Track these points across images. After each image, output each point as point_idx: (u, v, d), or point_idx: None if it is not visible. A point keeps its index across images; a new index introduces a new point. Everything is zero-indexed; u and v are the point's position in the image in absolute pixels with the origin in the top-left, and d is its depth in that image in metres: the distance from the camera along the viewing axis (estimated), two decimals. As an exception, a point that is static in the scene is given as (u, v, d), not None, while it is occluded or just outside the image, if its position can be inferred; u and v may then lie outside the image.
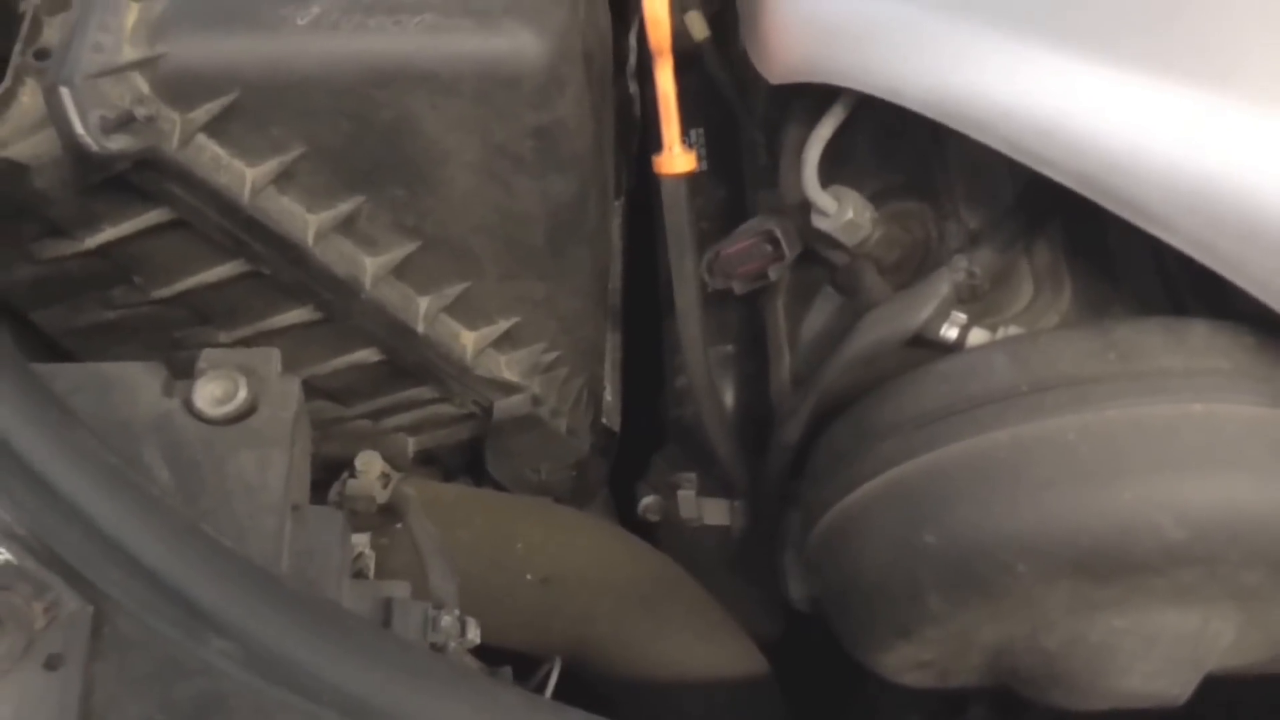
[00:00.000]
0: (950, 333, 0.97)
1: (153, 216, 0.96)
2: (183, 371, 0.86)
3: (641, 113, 1.46)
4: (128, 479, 0.72)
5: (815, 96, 1.05)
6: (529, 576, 1.14)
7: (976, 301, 0.98)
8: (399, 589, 0.87)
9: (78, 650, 0.69)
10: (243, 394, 0.83)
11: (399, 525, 1.09)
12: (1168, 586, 0.87)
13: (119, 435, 0.80)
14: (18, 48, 0.90)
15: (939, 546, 0.89)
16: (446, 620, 0.88)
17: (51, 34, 0.90)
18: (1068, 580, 0.87)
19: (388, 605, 0.86)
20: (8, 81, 0.89)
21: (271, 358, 0.87)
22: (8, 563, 0.71)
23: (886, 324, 0.98)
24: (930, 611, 0.91)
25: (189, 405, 0.83)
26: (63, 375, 0.82)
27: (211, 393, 0.84)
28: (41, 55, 0.90)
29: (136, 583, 0.69)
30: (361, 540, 1.02)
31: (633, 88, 1.45)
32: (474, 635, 0.91)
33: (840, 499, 0.95)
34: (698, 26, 1.27)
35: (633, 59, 1.45)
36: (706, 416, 1.13)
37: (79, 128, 0.79)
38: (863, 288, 1.03)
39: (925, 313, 0.96)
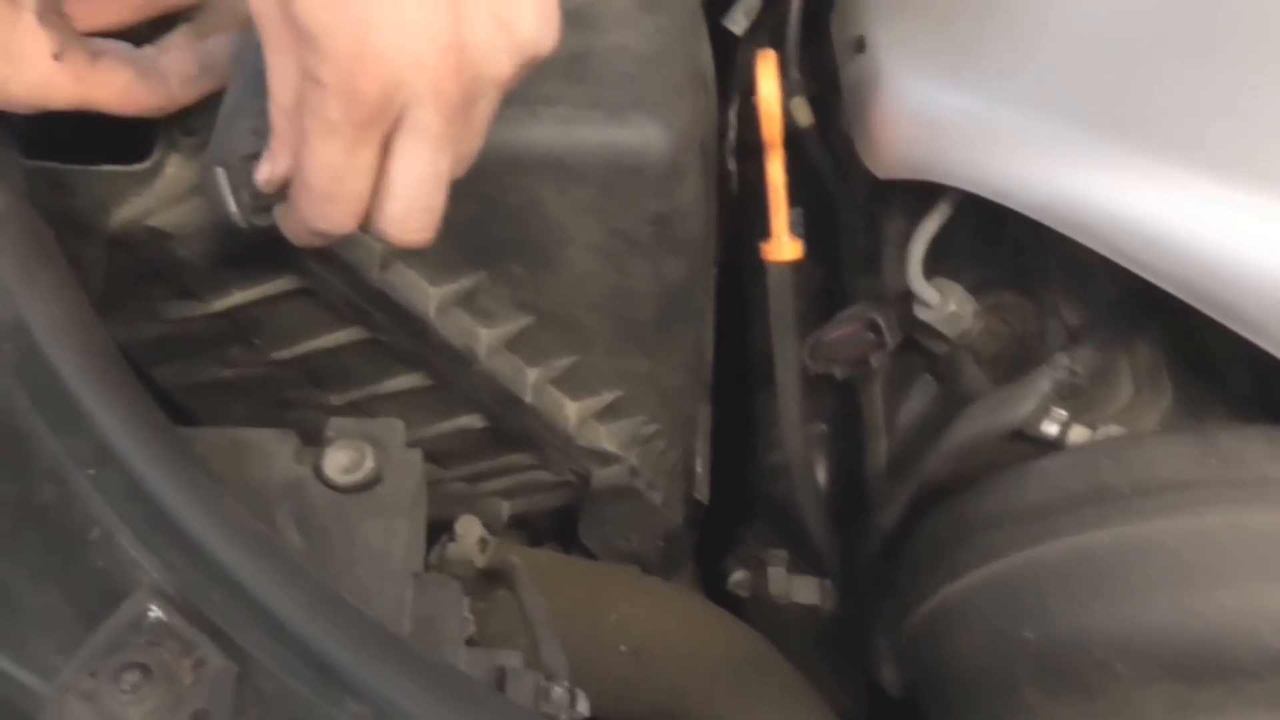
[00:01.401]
0: (1051, 429, 1.01)
1: (280, 284, 1.01)
2: (305, 435, 0.91)
3: (739, 188, 1.52)
4: (272, 545, 0.76)
5: (918, 189, 1.10)
6: (622, 647, 1.17)
7: (1076, 398, 1.02)
8: (511, 658, 0.91)
9: (222, 707, 0.72)
10: (369, 464, 0.88)
11: (499, 591, 1.14)
12: (1264, 692, 0.89)
13: (253, 499, 0.84)
14: (164, 122, 0.96)
15: (1038, 642, 0.92)
16: (558, 691, 0.92)
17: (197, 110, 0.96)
18: (1165, 682, 0.90)
19: (501, 674, 0.90)
20: (156, 154, 0.94)
21: (396, 429, 0.92)
22: (159, 620, 0.75)
23: (988, 417, 1.02)
24: (1026, 705, 0.94)
25: (319, 472, 0.88)
26: (200, 439, 0.87)
27: (339, 461, 0.88)
28: (189, 131, 0.95)
29: (278, 644, 0.73)
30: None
31: (731, 164, 1.51)
32: (584, 708, 0.95)
33: (939, 588, 0.99)
34: (802, 113, 1.32)
35: (732, 135, 1.50)
36: (802, 497, 1.18)
37: (231, 206, 0.84)
38: (962, 378, 1.07)
39: (1027, 408, 1.00)
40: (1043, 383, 1.00)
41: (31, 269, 0.80)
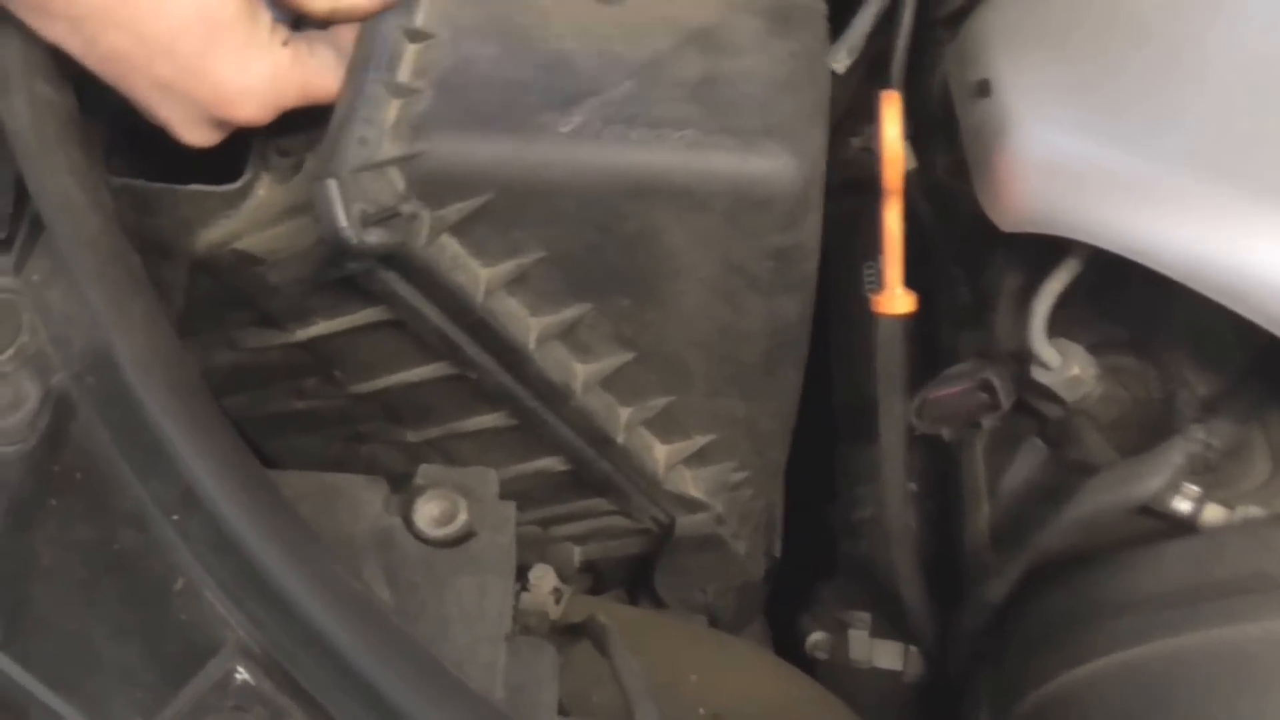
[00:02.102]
0: (1183, 506, 0.93)
1: (368, 315, 0.94)
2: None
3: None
4: (369, 606, 0.69)
5: (1035, 243, 1.01)
6: (701, 711, 1.11)
7: (1209, 473, 0.94)
8: (607, 731, 0.86)
9: (311, 780, 0.67)
10: (463, 516, 0.81)
11: (578, 645, 1.07)
12: None
13: (342, 549, 0.78)
14: (257, 142, 0.91)
15: (1175, 738, 0.86)
16: (656, 768, 0.86)
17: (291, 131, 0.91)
18: (1317, 789, 0.82)
19: (595, 747, 0.84)
20: (247, 175, 0.89)
21: (489, 479, 0.85)
22: (245, 683, 0.69)
23: (1114, 490, 0.95)
24: (1155, 803, 0.87)
25: (409, 524, 0.82)
26: (287, 483, 0.80)
27: (430, 512, 0.81)
28: (284, 152, 0.90)
29: (372, 714, 0.67)
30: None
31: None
32: (683, 784, 0.90)
33: (1061, 673, 0.91)
34: (906, 156, 1.26)
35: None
36: (899, 562, 1.10)
37: (342, 220, 0.78)
38: (1081, 446, 1.00)
39: (1157, 483, 0.93)
40: (1175, 456, 0.92)
41: (121, 298, 0.73)
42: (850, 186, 1.25)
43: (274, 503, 0.72)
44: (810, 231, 0.93)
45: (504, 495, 1.14)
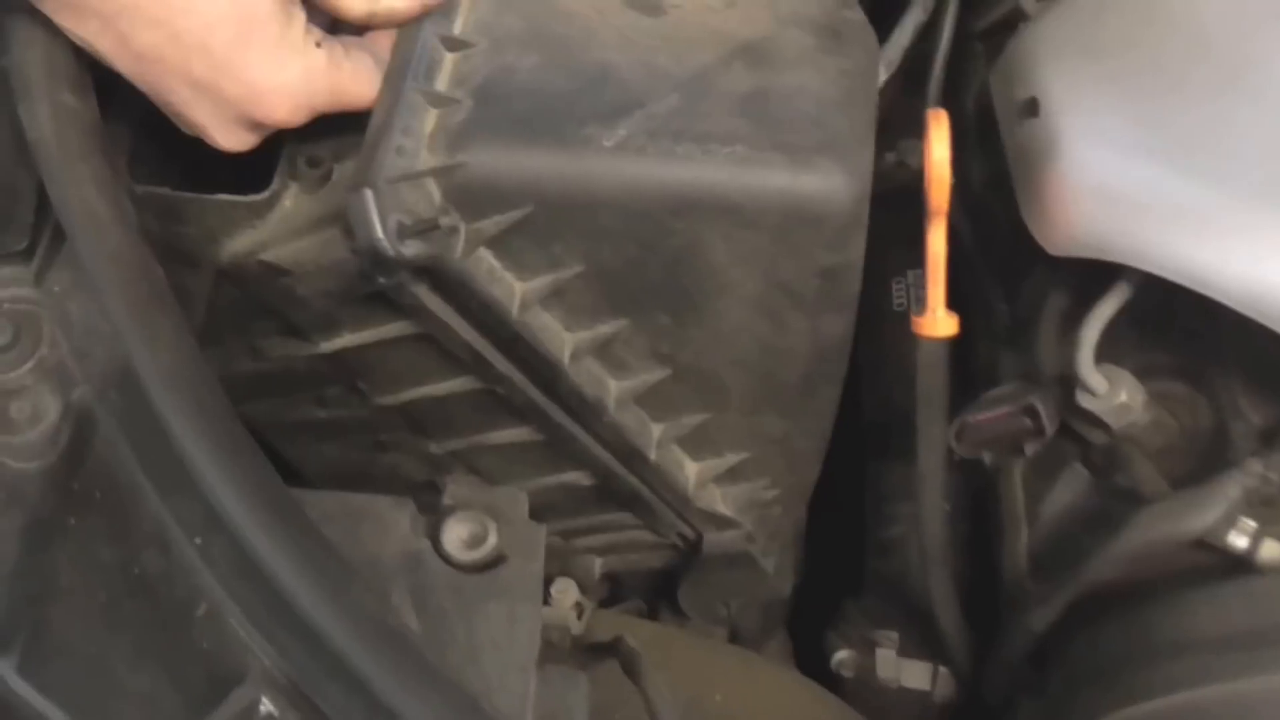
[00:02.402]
0: (1239, 541, 0.90)
1: (395, 328, 0.91)
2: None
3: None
4: (400, 639, 0.66)
5: (1079, 262, 0.98)
6: (726, 731, 1.09)
7: (1265, 507, 0.91)
8: (640, 765, 0.83)
9: (338, 819, 0.64)
10: (492, 540, 0.78)
11: (604, 664, 1.05)
12: None
13: (369, 574, 0.75)
14: (285, 151, 0.88)
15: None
16: (694, 801, 0.84)
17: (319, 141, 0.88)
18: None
19: (633, 779, 0.81)
20: (274, 185, 0.86)
21: (519, 501, 0.82)
22: (270, 715, 0.66)
23: (1167, 522, 0.92)
24: None
25: (438, 547, 0.79)
26: (313, 503, 0.78)
27: (459, 535, 0.78)
28: (313, 162, 0.87)
29: None
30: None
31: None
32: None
33: (1112, 711, 0.88)
34: (946, 174, 1.23)
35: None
36: (935, 585, 1.07)
37: (378, 231, 0.75)
38: (1129, 474, 0.97)
39: (1212, 516, 0.90)
40: (1232, 489, 0.89)
41: (145, 313, 0.70)
42: (882, 200, 1.21)
43: (300, 526, 0.69)
44: (858, 251, 0.89)
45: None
